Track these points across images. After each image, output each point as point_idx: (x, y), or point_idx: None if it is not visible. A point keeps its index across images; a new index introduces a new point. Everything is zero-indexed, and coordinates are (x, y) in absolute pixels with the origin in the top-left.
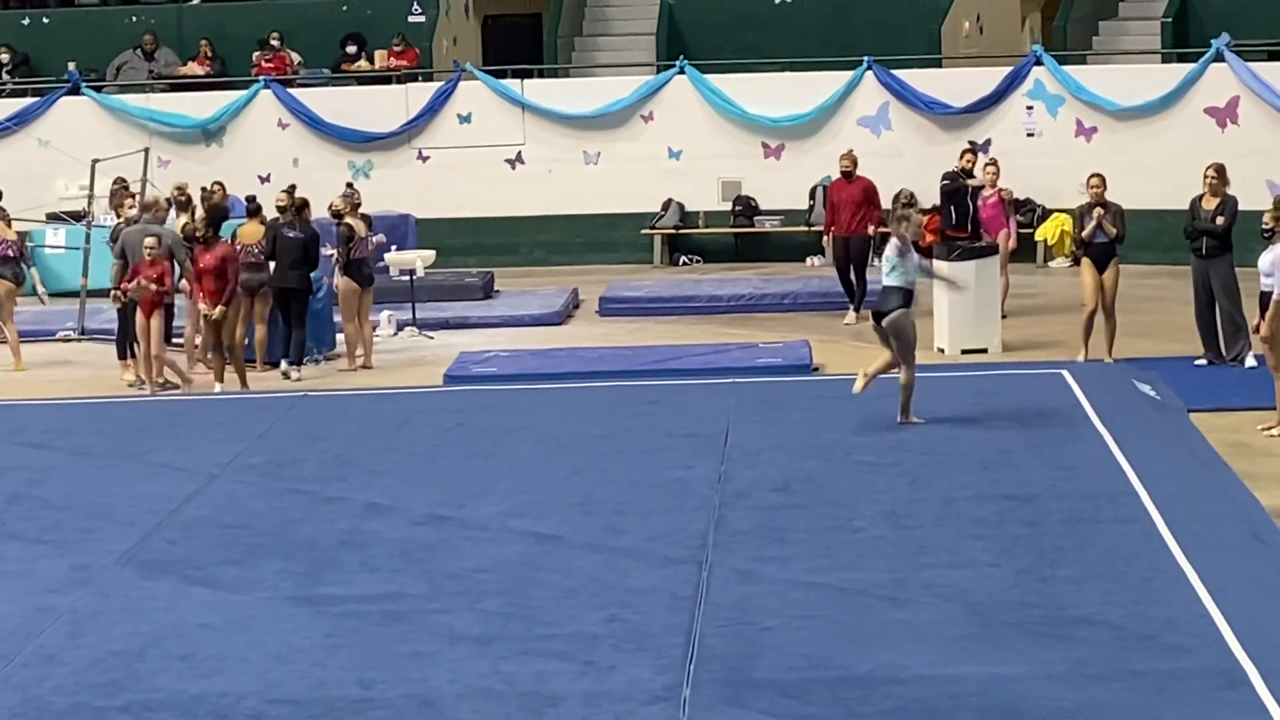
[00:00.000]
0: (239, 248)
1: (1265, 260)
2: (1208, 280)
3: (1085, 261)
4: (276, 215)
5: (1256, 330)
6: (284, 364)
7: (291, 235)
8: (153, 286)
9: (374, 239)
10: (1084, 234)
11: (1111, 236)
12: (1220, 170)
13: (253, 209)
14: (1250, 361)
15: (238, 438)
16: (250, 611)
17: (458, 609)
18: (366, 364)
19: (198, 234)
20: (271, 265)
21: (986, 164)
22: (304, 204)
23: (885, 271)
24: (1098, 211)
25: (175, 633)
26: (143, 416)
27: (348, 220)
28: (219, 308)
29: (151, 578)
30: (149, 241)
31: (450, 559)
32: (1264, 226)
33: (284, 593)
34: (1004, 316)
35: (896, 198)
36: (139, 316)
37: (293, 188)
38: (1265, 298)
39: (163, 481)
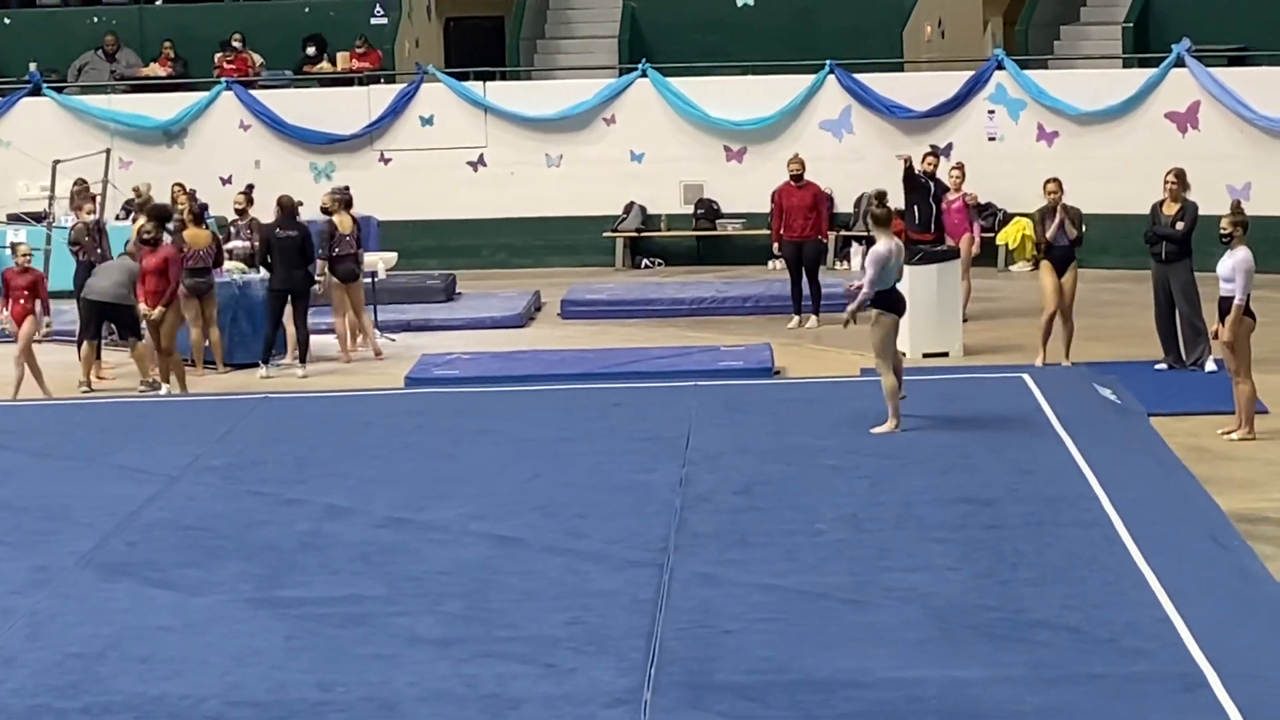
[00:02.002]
0: (187, 251)
1: (1224, 265)
2: (1168, 285)
3: (1045, 264)
4: (235, 218)
5: (1216, 335)
6: (265, 365)
7: (285, 235)
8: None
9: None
10: (1048, 235)
11: (1072, 239)
12: (1180, 175)
13: (198, 212)
14: (1210, 366)
15: (198, 440)
16: (210, 614)
17: (418, 611)
18: (376, 350)
19: (145, 235)
20: (224, 267)
21: (952, 168)
22: (294, 204)
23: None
24: (1058, 213)
25: (135, 635)
26: (104, 418)
27: (333, 218)
28: (158, 309)
29: (111, 580)
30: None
31: (411, 561)
32: (1222, 232)
33: (244, 595)
34: (965, 320)
35: (859, 200)
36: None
37: (250, 188)
38: (1225, 303)
39: (123, 483)
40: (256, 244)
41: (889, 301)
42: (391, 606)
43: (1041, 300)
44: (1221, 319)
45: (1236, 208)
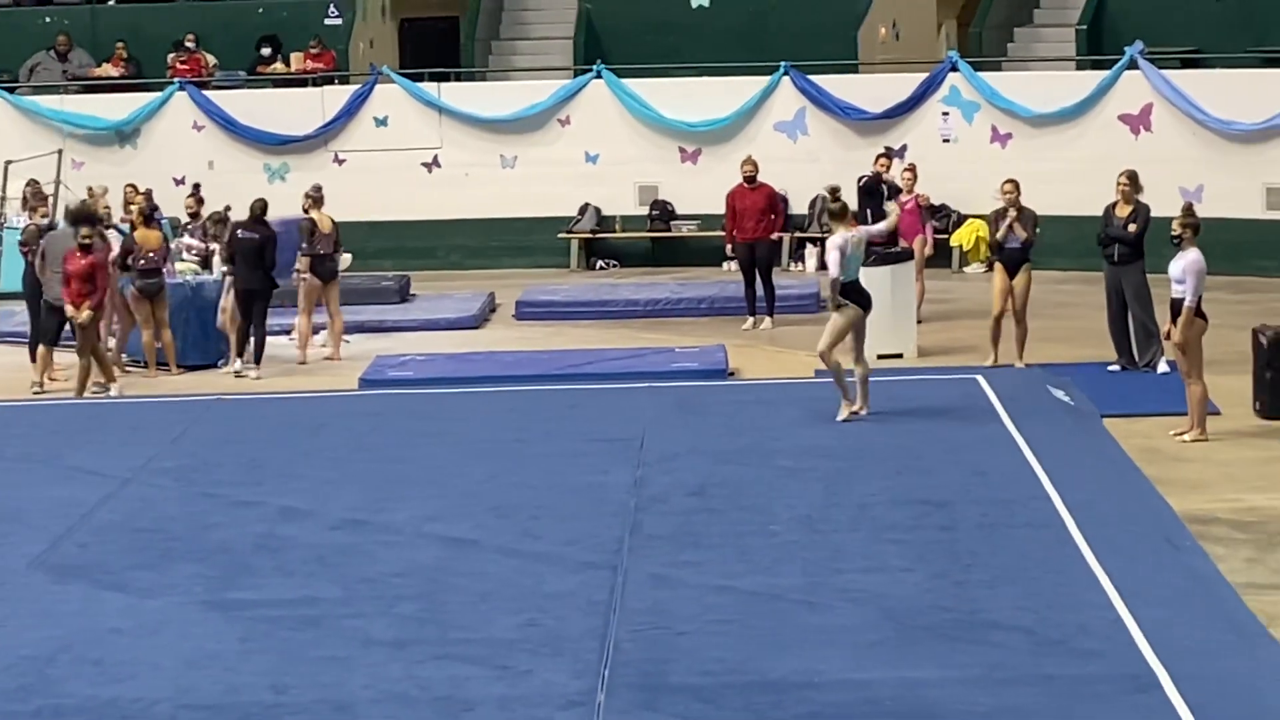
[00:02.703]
0: (138, 252)
1: (1175, 267)
2: (1120, 287)
3: (997, 266)
4: (187, 220)
5: (1168, 337)
6: (239, 364)
7: (248, 236)
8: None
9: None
10: (997, 236)
11: (1023, 241)
12: (1132, 177)
13: (148, 214)
14: (1163, 367)
15: (152, 441)
16: (163, 616)
17: (372, 614)
18: (333, 355)
19: (85, 241)
20: (175, 268)
21: (904, 169)
22: (263, 206)
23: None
24: (1010, 214)
25: (87, 637)
26: (56, 420)
27: (312, 215)
28: (86, 311)
29: (63, 582)
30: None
31: (365, 563)
32: (1173, 233)
33: (197, 597)
34: (919, 322)
35: (814, 202)
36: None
37: (197, 186)
38: (1177, 304)
39: (75, 485)
40: (211, 244)
41: (852, 294)
42: (345, 608)
43: (991, 302)
44: (1173, 320)
45: (1188, 210)
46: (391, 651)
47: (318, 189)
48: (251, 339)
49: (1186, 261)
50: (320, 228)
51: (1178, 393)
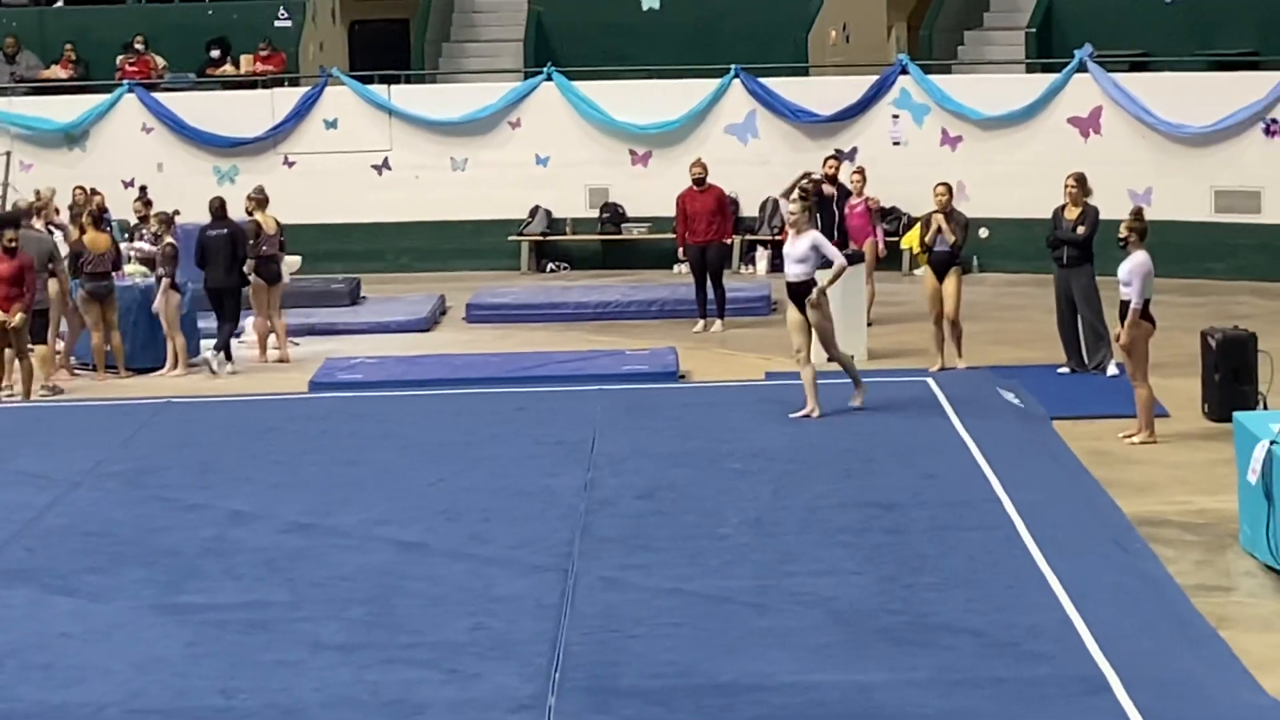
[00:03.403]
0: (86, 255)
1: (1123, 269)
2: (1069, 289)
3: (926, 269)
4: (137, 222)
5: (1118, 339)
6: (209, 355)
7: (217, 234)
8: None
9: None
10: (925, 239)
11: (951, 245)
12: (1081, 179)
13: (97, 217)
14: (1112, 370)
15: (100, 444)
16: (112, 620)
17: (322, 617)
18: (283, 357)
19: (9, 244)
20: (124, 271)
21: (853, 172)
22: (222, 202)
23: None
24: (936, 218)
25: (35, 642)
26: (2, 423)
27: (255, 217)
28: (18, 315)
29: (10, 586)
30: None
31: (315, 567)
32: (1119, 236)
33: (146, 601)
34: (870, 324)
35: (764, 204)
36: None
37: (144, 189)
38: (1125, 306)
39: (22, 489)
40: (161, 246)
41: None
42: (295, 612)
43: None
44: (1122, 322)
45: (1136, 214)
46: (341, 655)
47: (260, 190)
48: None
49: (1134, 264)
50: (265, 229)
51: (1127, 395)
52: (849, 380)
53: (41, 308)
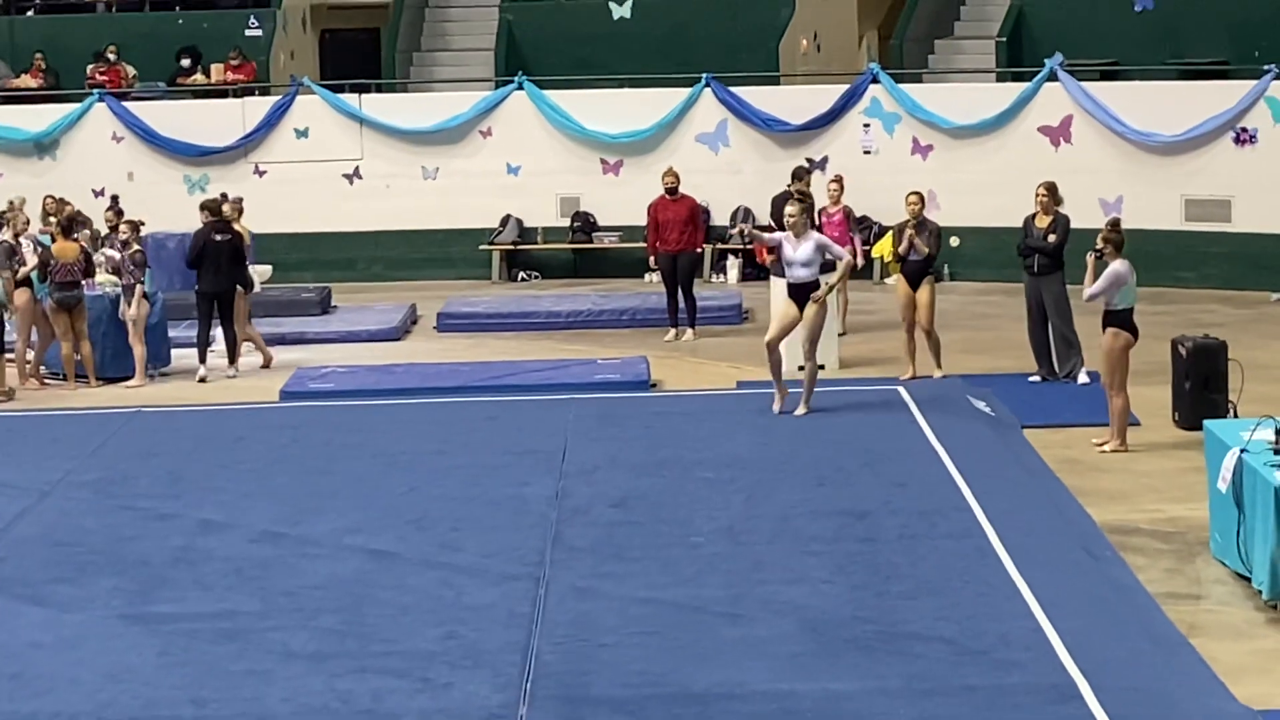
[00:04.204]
0: (55, 264)
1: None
2: (1040, 298)
3: (899, 278)
4: (107, 233)
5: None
6: (201, 370)
7: (220, 239)
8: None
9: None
10: (899, 249)
11: (923, 255)
12: (1051, 188)
13: (66, 226)
14: (1083, 378)
15: (70, 454)
16: (82, 630)
17: (292, 626)
18: (266, 360)
19: None
20: (94, 280)
21: (830, 181)
22: (218, 207)
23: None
24: (908, 232)
25: (4, 652)
26: None
27: (234, 227)
28: None
29: None
30: None
31: (285, 576)
32: (1096, 247)
33: (116, 611)
34: (842, 334)
35: (735, 213)
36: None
37: (115, 199)
38: (1107, 315)
39: None
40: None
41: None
42: (265, 622)
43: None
44: (1103, 329)
45: (1114, 224)
46: (312, 664)
47: (239, 201)
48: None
49: (1106, 271)
50: (243, 238)
51: (1098, 403)
52: (821, 390)
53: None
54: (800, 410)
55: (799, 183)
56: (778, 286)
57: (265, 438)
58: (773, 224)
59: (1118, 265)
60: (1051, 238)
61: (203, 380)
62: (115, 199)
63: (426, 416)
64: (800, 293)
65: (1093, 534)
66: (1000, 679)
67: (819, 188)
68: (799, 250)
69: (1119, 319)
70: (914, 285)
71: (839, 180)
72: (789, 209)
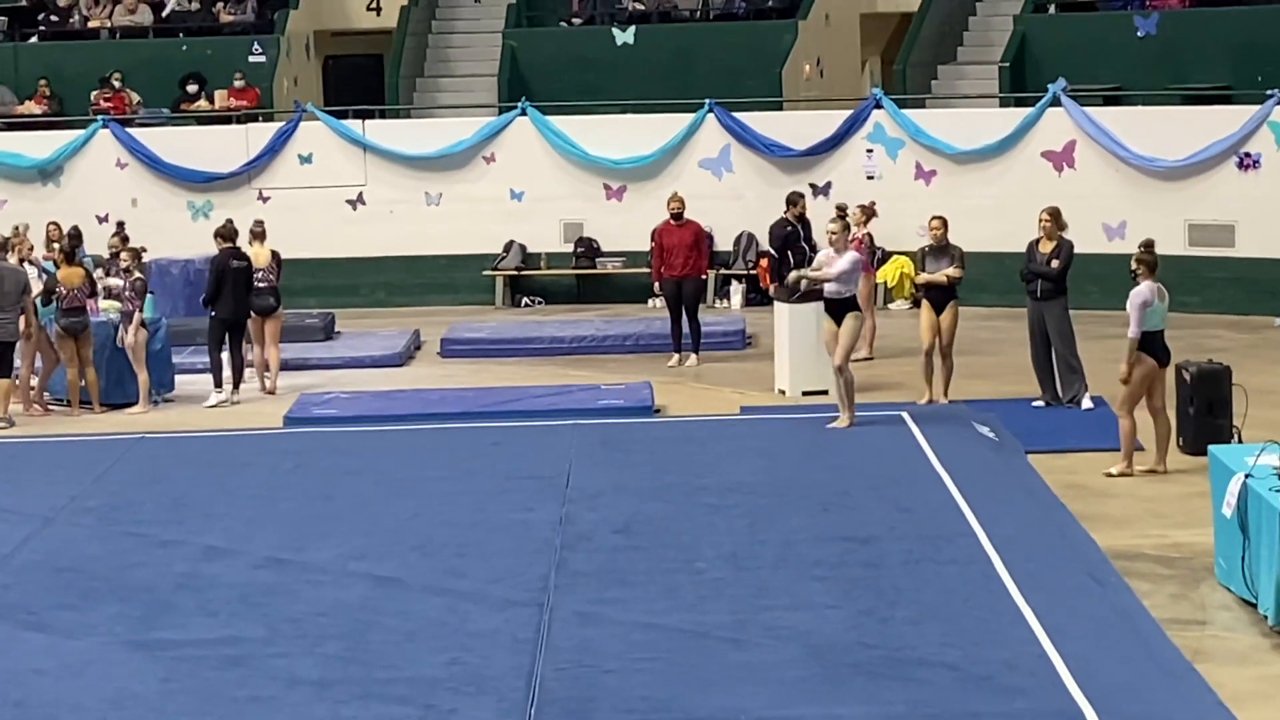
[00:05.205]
0: (61, 291)
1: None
2: (1044, 323)
3: (924, 302)
4: (110, 258)
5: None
6: (226, 393)
7: (241, 265)
8: None
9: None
10: (919, 279)
11: (942, 283)
12: (1055, 213)
13: (70, 252)
14: (1086, 403)
15: (74, 480)
16: (85, 656)
17: (296, 653)
18: (270, 389)
19: None
20: (99, 306)
21: (855, 207)
22: (233, 233)
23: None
24: (931, 278)
25: (8, 678)
26: None
27: (250, 251)
28: None
29: None
30: None
31: (289, 602)
32: (1130, 269)
33: (120, 637)
34: (869, 358)
35: (739, 239)
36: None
37: (121, 225)
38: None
39: None
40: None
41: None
42: (270, 648)
43: (920, 338)
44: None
45: (1147, 246)
46: (316, 691)
47: (260, 223)
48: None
49: (1131, 294)
50: (256, 261)
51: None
52: (825, 415)
53: (7, 340)
54: (842, 422)
55: (794, 208)
56: (781, 312)
57: (269, 463)
58: (772, 251)
59: (1142, 289)
60: (1055, 263)
61: (234, 403)
62: (121, 225)
63: (430, 442)
64: (834, 308)
65: (1097, 559)
66: (1005, 705)
67: (829, 212)
68: (835, 266)
69: (1144, 342)
70: (939, 309)
71: (863, 208)
72: (830, 225)
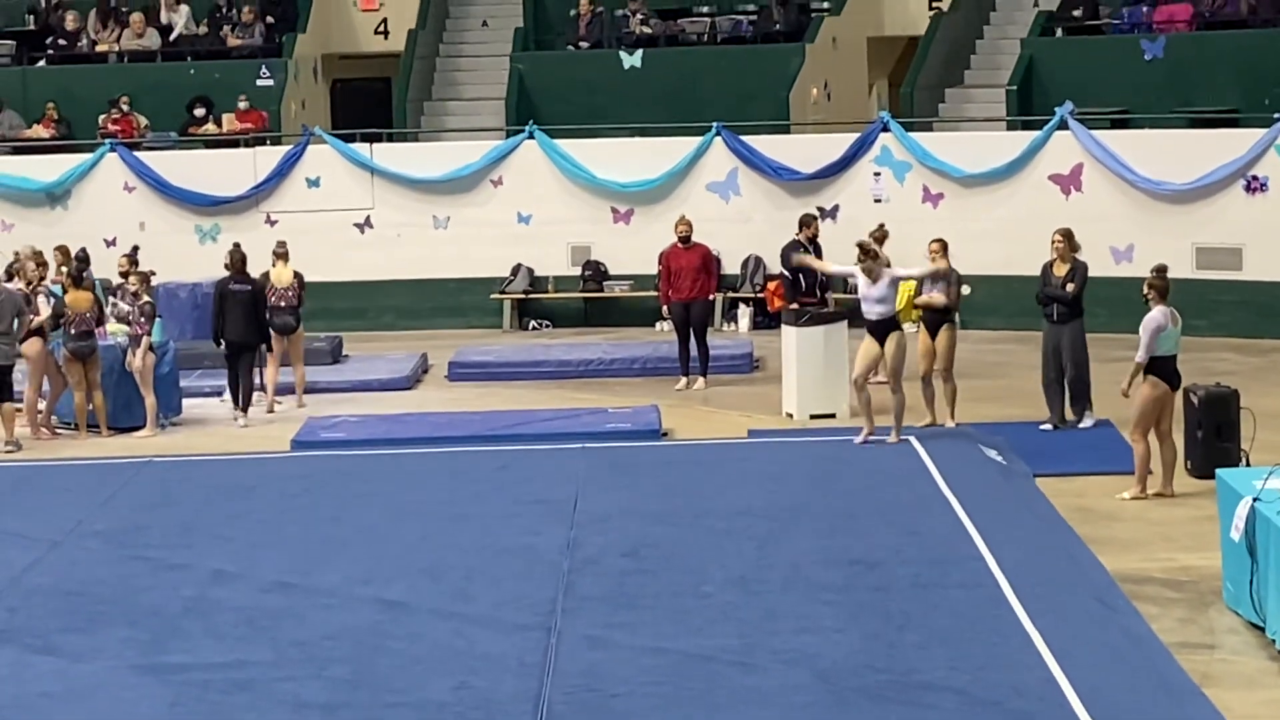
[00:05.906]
0: (69, 315)
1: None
2: (1059, 345)
3: (920, 326)
4: (120, 281)
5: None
6: (243, 414)
7: (241, 289)
8: None
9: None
10: (917, 302)
11: (938, 306)
12: (1068, 235)
13: (77, 276)
14: (1086, 422)
15: (82, 503)
16: (93, 680)
17: (304, 677)
18: (298, 404)
19: None
20: (107, 330)
21: (873, 230)
22: (244, 258)
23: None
24: (931, 298)
25: (16, 703)
26: None
27: (267, 270)
28: None
29: None
30: None
31: (297, 626)
32: (1142, 294)
33: (128, 661)
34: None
35: (746, 262)
36: None
37: (135, 249)
38: (1151, 363)
39: (3, 548)
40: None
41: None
42: (277, 672)
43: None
44: (1145, 378)
45: (1159, 271)
46: (324, 715)
47: (282, 244)
48: (239, 389)
49: (1145, 319)
50: (275, 282)
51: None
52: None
53: (5, 363)
54: (892, 439)
55: (806, 230)
56: (789, 336)
57: (276, 487)
58: (785, 273)
59: (1155, 314)
60: (1070, 286)
61: (242, 425)
62: (135, 249)
63: (438, 466)
64: (875, 328)
65: (1105, 583)
66: None
67: (836, 234)
68: (874, 288)
69: (1157, 367)
70: (933, 333)
71: (881, 228)
72: (859, 262)
